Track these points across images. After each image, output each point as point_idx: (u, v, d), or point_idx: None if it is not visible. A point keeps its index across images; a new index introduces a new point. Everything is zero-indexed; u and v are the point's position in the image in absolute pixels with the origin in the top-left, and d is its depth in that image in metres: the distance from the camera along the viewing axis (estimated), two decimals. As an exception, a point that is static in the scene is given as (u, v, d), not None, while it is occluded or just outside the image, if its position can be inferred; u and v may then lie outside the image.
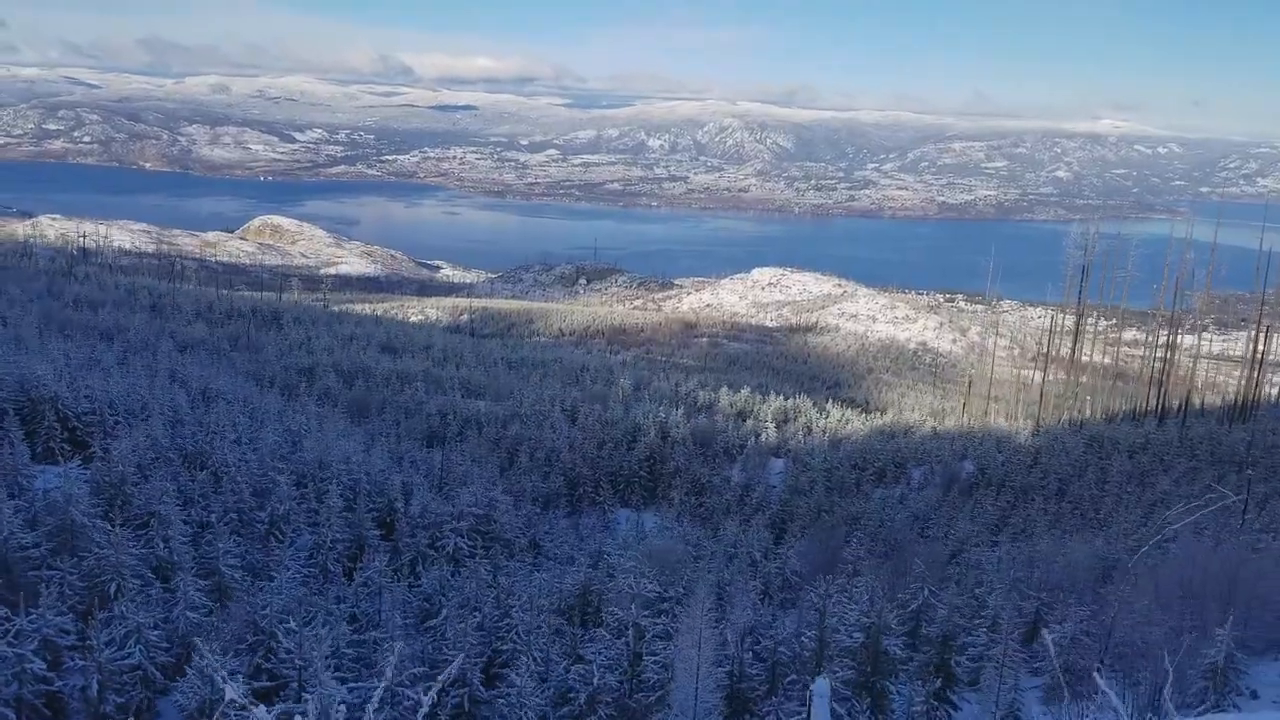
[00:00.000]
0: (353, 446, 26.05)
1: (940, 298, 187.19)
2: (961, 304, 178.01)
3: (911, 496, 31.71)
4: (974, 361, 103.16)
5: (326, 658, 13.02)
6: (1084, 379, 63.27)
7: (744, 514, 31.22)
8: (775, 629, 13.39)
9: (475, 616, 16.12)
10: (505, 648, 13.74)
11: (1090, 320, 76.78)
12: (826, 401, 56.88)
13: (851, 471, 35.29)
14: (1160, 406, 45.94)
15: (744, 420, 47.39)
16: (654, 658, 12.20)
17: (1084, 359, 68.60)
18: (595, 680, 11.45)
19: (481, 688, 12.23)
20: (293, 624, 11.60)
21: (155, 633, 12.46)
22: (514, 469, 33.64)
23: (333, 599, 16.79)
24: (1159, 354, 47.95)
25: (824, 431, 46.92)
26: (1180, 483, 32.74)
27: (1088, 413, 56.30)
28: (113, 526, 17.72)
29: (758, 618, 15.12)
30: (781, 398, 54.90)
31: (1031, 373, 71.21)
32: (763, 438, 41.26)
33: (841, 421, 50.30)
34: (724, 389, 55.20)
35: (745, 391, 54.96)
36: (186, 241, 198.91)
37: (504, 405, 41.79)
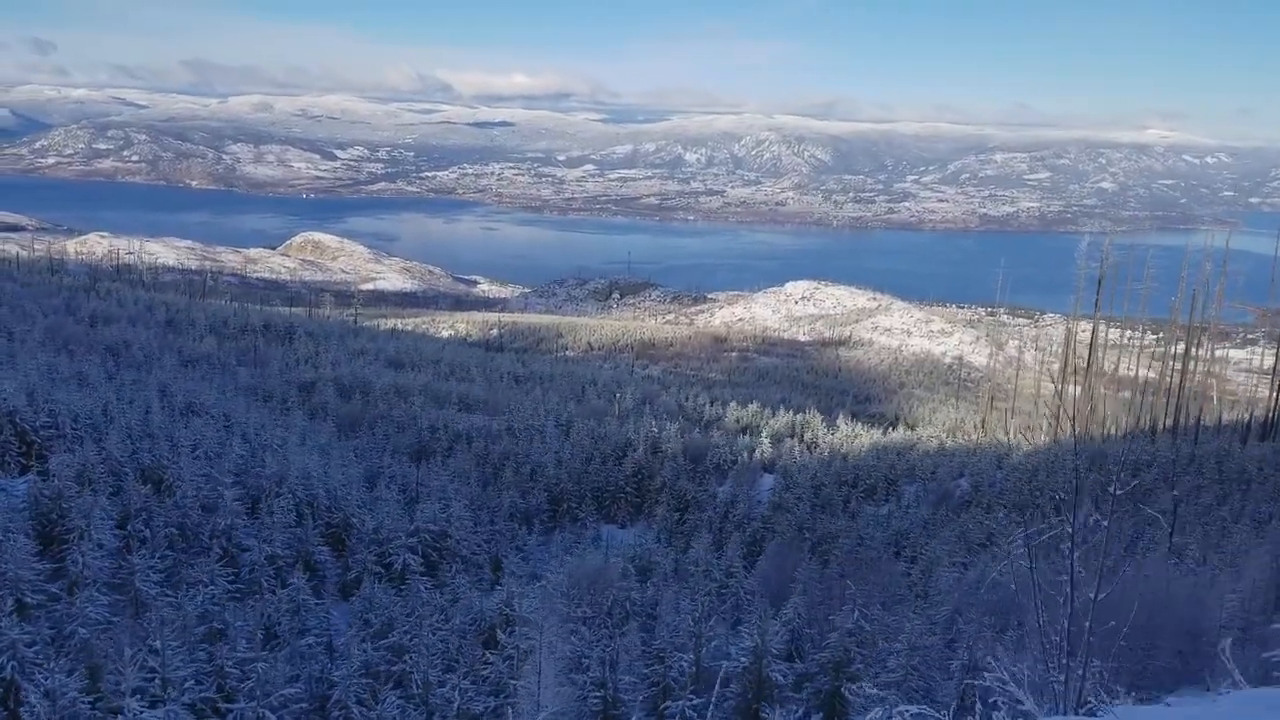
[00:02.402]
0: (316, 461, 25.95)
1: (982, 311, 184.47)
2: (1004, 318, 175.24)
3: (897, 515, 30.93)
4: (1010, 376, 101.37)
5: (207, 676, 12.83)
6: (1126, 393, 61.64)
7: (725, 531, 30.66)
8: (673, 652, 12.94)
9: (391, 636, 15.89)
10: (395, 669, 13.44)
11: (1135, 334, 74.91)
12: (846, 416, 55.88)
13: (840, 488, 34.56)
14: (1175, 421, 44.57)
15: (748, 435, 46.76)
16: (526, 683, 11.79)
17: (1128, 373, 66.91)
18: (456, 704, 11.09)
19: (356, 709, 11.92)
20: (156, 643, 11.40)
21: (32, 649, 12.32)
22: (497, 484, 33.39)
23: (256, 616, 16.63)
24: (1175, 366, 46.54)
25: (828, 447, 46.15)
26: (1181, 502, 31.58)
27: (1109, 428, 54.94)
28: (49, 539, 17.78)
29: (670, 640, 14.67)
30: (791, 411, 54.14)
31: (1065, 386, 69.51)
32: (757, 453, 40.62)
33: (849, 436, 49.43)
34: (732, 403, 54.58)
35: (753, 406, 54.29)
36: (230, 258, 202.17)
37: (498, 419, 41.63)
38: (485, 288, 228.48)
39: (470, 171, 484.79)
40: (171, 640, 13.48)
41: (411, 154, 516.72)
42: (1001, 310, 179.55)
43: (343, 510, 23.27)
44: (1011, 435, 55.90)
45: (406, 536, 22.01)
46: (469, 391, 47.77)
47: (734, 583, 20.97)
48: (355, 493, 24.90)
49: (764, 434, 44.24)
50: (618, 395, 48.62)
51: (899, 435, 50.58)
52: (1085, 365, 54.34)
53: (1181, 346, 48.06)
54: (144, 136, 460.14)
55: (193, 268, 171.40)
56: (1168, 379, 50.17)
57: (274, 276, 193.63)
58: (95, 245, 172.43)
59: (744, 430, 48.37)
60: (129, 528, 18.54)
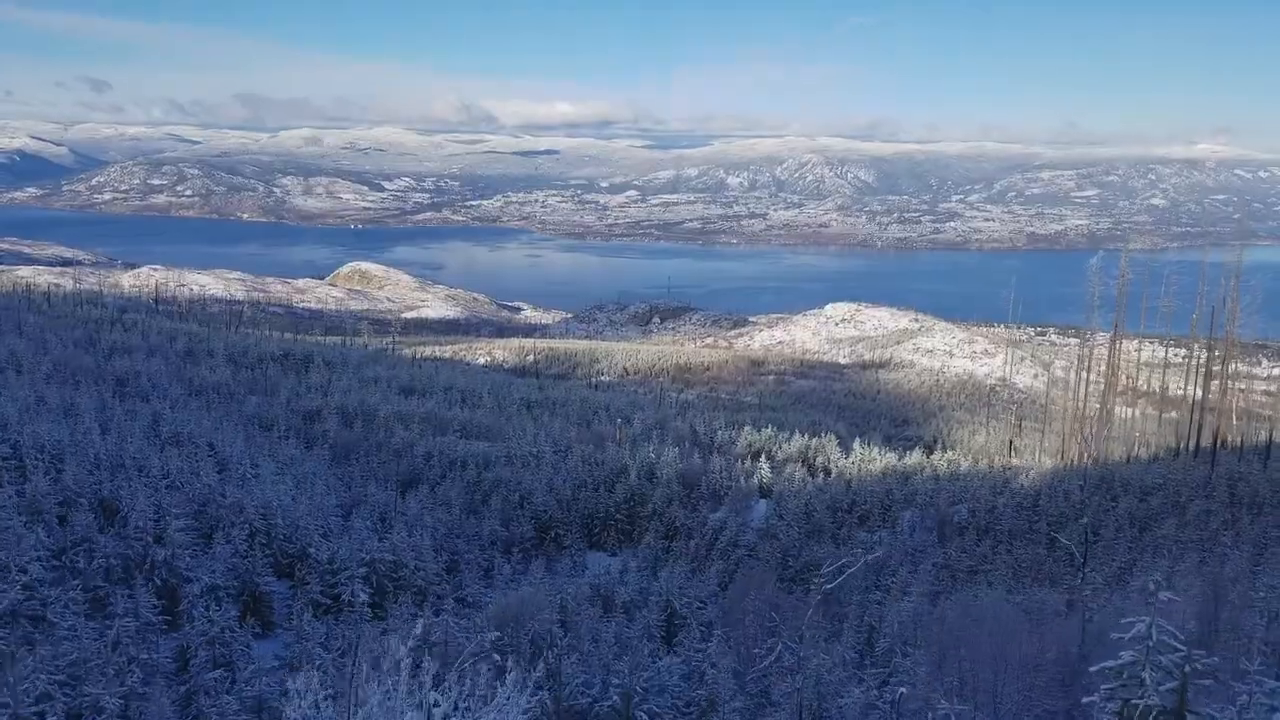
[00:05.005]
0: (286, 490, 25.86)
1: (1031, 331, 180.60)
2: (1053, 337, 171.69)
3: (885, 542, 29.98)
4: (1054, 396, 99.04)
5: (87, 710, 12.62)
6: (1174, 414, 59.67)
7: (709, 559, 29.99)
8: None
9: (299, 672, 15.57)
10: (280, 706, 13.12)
11: (1190, 351, 72.61)
12: (877, 439, 54.78)
13: (834, 514, 33.67)
14: (1197, 442, 42.89)
15: (757, 459, 45.96)
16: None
17: (1179, 392, 64.78)
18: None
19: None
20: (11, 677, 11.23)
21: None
22: (485, 512, 33.07)
23: (171, 651, 16.48)
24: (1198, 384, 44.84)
25: (838, 471, 45.20)
26: (1187, 527, 30.26)
27: (1138, 449, 53.33)
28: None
29: (582, 676, 14.19)
30: (806, 436, 53.18)
31: (1113, 407, 67.48)
32: (755, 478, 39.87)
33: (864, 460, 48.36)
34: (746, 427, 53.78)
35: (768, 430, 53.44)
36: (278, 288, 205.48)
37: (498, 446, 41.38)
38: (528, 314, 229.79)
39: (515, 200, 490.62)
40: (58, 675, 13.34)
41: (457, 184, 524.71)
42: (1051, 329, 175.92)
43: (300, 540, 23.11)
44: (1039, 458, 54.45)
45: (358, 566, 21.76)
46: (472, 418, 47.64)
47: (689, 613, 20.35)
48: (321, 522, 24.72)
49: (763, 459, 43.40)
50: (620, 421, 48.16)
51: (913, 459, 49.35)
52: (1106, 384, 52.75)
53: (1215, 364, 46.32)
54: (196, 171, 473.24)
55: (240, 299, 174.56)
56: (1194, 396, 48.43)
57: (321, 306, 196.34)
58: (147, 278, 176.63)
59: (755, 455, 47.56)
60: (64, 559, 18.52)
